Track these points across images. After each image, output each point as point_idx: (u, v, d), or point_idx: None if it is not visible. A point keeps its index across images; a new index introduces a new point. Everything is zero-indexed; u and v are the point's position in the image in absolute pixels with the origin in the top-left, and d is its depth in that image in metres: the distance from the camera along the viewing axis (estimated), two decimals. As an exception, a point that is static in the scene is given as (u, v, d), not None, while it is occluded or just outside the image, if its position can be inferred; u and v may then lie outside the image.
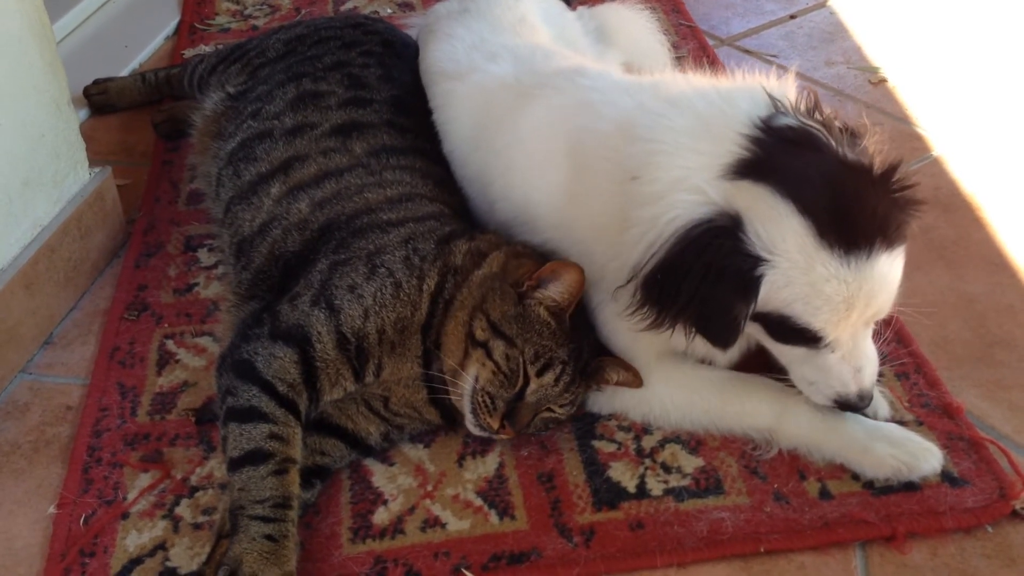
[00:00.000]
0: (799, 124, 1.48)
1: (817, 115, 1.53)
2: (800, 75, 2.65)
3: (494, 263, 1.66)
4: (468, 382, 1.59)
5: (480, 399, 1.58)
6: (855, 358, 1.52)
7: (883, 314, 1.51)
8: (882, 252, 1.43)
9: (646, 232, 1.48)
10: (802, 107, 1.53)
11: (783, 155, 1.45)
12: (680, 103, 1.57)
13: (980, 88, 2.64)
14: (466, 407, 1.61)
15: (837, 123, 1.52)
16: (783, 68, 2.70)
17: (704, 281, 1.44)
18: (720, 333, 1.52)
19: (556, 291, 1.60)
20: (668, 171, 1.49)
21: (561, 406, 1.64)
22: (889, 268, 1.45)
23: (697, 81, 1.67)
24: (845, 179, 1.44)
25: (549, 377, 1.59)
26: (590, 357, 1.66)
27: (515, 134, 1.80)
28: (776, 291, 1.44)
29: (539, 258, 1.70)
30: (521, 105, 1.82)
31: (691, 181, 1.46)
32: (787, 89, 1.57)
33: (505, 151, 1.82)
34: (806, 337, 1.49)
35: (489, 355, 1.58)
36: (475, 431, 1.63)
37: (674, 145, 1.51)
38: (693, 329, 1.52)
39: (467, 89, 1.94)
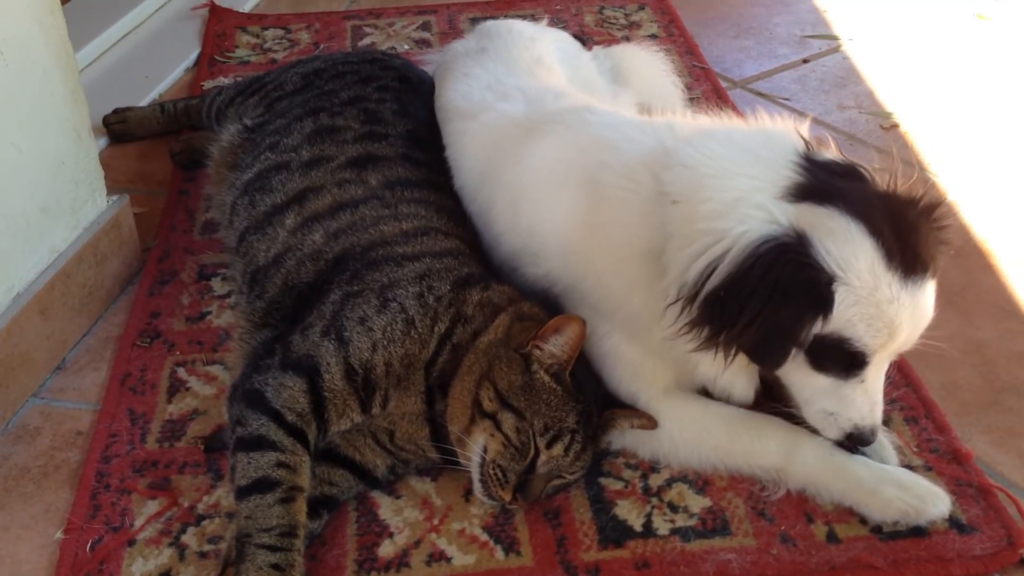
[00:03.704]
0: (843, 160, 1.56)
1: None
2: (813, 119, 2.69)
3: (499, 328, 1.64)
4: (476, 452, 1.58)
5: (491, 472, 1.57)
6: (873, 392, 1.55)
7: (909, 345, 1.53)
8: (929, 281, 1.49)
9: (709, 246, 1.48)
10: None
11: (839, 183, 1.51)
12: (716, 136, 1.62)
13: (992, 134, 2.66)
14: (475, 477, 1.60)
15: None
16: (796, 112, 2.72)
17: (772, 297, 1.44)
18: (775, 352, 1.51)
19: (558, 345, 1.59)
20: (722, 192, 1.51)
21: (572, 473, 1.62)
22: (931, 297, 1.51)
23: (720, 122, 1.71)
24: (900, 208, 1.50)
25: (559, 448, 1.58)
26: (599, 417, 1.65)
27: (523, 167, 1.82)
28: (844, 309, 1.45)
29: (543, 320, 1.66)
30: (530, 140, 1.84)
31: (753, 200, 1.48)
32: (803, 133, 1.62)
33: (512, 184, 1.84)
34: (851, 363, 1.50)
35: (498, 427, 1.57)
36: (485, 500, 1.61)
37: (720, 170, 1.53)
38: (740, 351, 1.50)
39: (478, 127, 1.96)
